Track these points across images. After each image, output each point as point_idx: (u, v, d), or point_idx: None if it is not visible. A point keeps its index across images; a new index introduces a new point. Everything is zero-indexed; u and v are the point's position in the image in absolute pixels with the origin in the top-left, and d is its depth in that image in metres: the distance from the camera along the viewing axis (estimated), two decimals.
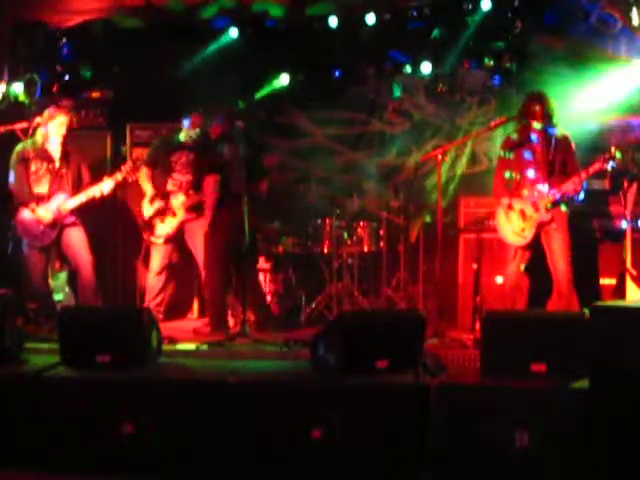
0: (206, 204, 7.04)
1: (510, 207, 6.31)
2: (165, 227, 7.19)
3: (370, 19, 7.79)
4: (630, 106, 7.36)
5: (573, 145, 6.33)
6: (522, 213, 6.25)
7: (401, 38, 7.98)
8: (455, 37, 7.75)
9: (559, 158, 6.25)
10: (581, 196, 6.21)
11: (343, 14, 7.82)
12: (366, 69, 8.33)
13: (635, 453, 4.06)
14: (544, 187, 6.22)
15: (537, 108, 6.24)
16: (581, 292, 6.25)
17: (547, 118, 6.25)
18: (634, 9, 6.93)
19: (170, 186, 7.22)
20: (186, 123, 7.21)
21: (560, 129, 6.30)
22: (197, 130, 7.18)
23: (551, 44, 7.49)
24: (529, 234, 6.25)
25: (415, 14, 7.75)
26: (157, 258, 7.30)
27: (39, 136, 6.67)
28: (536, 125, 6.28)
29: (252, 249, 6.79)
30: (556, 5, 7.40)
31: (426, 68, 8.05)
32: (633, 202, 6.61)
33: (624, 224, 6.58)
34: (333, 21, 7.84)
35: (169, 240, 7.25)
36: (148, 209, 7.23)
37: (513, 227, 6.29)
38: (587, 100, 7.23)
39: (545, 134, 6.28)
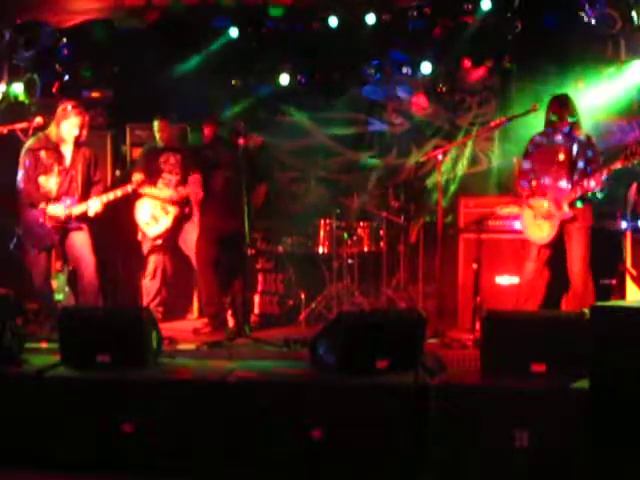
0: (192, 200, 7.14)
1: (533, 206, 6.32)
2: (160, 227, 7.29)
3: (370, 19, 7.79)
4: (629, 107, 7.37)
5: (597, 145, 6.33)
6: (545, 211, 6.25)
7: (401, 38, 7.98)
8: (455, 37, 7.76)
9: (582, 158, 6.23)
10: (599, 195, 6.16)
11: (343, 14, 7.82)
12: (366, 69, 8.33)
13: (635, 453, 4.06)
14: (567, 185, 6.20)
15: (562, 109, 6.24)
16: None
17: (571, 119, 6.24)
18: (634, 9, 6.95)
19: (161, 185, 7.35)
20: (154, 126, 7.40)
21: (583, 130, 6.31)
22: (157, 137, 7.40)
23: (551, 44, 7.50)
24: (551, 232, 6.25)
25: (415, 14, 7.75)
26: (151, 262, 7.43)
27: (53, 134, 6.49)
28: (560, 126, 6.26)
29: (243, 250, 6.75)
30: (556, 5, 7.40)
31: (426, 68, 8.05)
32: (633, 202, 6.62)
33: (624, 224, 6.59)
34: (333, 21, 7.85)
35: (167, 240, 7.32)
36: (143, 215, 7.31)
37: (537, 225, 6.31)
38: (587, 100, 7.23)
39: (569, 135, 6.28)
